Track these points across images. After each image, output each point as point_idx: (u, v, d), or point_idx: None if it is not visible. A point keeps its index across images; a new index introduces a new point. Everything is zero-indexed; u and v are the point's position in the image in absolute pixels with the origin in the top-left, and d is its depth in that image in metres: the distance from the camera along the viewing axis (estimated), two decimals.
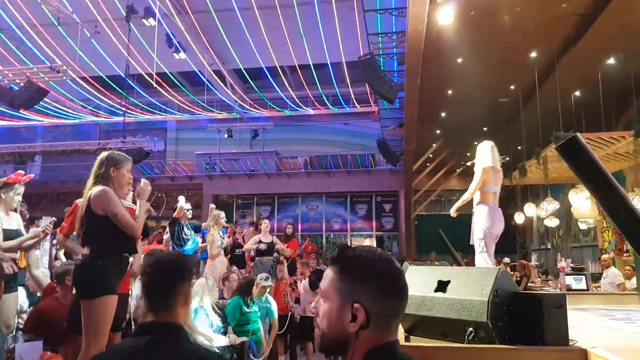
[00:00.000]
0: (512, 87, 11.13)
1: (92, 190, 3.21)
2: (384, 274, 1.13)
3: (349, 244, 20.28)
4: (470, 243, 4.63)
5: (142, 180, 3.38)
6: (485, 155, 4.69)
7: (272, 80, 20.10)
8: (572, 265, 7.90)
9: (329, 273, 1.16)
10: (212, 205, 7.10)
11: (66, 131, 24.25)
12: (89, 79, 19.30)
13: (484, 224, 4.52)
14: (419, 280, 2.79)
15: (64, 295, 3.72)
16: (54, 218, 4.47)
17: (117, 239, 3.18)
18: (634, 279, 7.90)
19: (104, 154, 3.35)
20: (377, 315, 1.10)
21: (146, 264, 1.87)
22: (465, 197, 4.70)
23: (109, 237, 3.16)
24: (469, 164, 4.94)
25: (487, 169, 4.61)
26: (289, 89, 20.70)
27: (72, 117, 22.83)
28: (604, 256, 9.07)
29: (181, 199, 6.47)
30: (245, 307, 4.94)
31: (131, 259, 3.34)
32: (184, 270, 1.88)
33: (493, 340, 2.40)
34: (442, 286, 2.71)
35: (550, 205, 11.22)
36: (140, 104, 21.75)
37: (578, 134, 1.34)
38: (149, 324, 1.73)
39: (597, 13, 7.74)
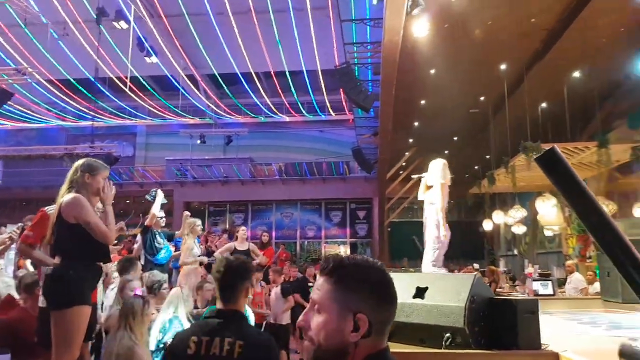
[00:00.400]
0: (482, 98, 11.40)
1: (64, 197, 3.16)
2: (380, 283, 1.14)
3: (322, 251, 20.44)
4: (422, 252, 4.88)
5: (105, 182, 3.32)
6: (442, 172, 4.98)
7: (246, 86, 20.04)
8: (539, 271, 8.13)
9: (323, 284, 1.13)
10: (187, 213, 7.03)
11: (30, 135, 23.55)
12: (56, 81, 18.88)
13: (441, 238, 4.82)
14: (397, 286, 2.85)
15: (32, 306, 3.56)
16: (20, 224, 4.34)
17: (89, 247, 3.13)
18: (596, 284, 8.20)
19: (80, 161, 3.32)
20: (377, 324, 1.10)
21: (218, 266, 2.35)
22: (443, 215, 4.90)
23: (81, 245, 3.11)
24: (414, 176, 5.11)
25: (444, 185, 4.88)
26: (264, 95, 20.67)
27: (37, 120, 22.25)
28: (569, 262, 9.36)
29: (159, 194, 6.35)
30: None
31: (109, 266, 3.30)
32: (246, 271, 2.39)
33: (469, 346, 2.47)
34: (420, 292, 2.78)
35: (518, 212, 11.52)
36: (109, 108, 21.36)
37: (556, 146, 1.43)
38: (219, 310, 2.26)
39: (564, 28, 8.05)
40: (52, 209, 3.38)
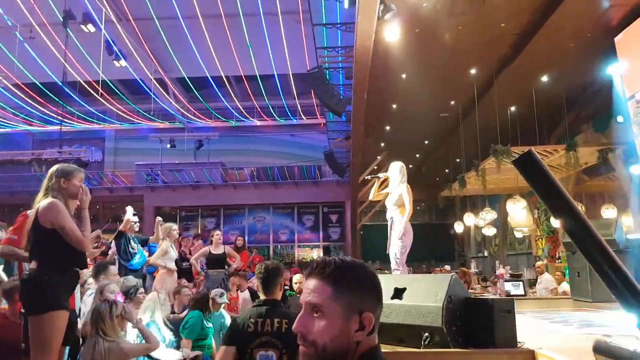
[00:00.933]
0: (452, 102, 11.59)
1: (40, 203, 3.12)
2: (375, 281, 1.18)
3: (296, 254, 20.40)
4: (387, 252, 5.01)
5: (81, 185, 3.28)
6: (403, 175, 5.11)
7: (217, 90, 19.89)
8: (510, 272, 8.29)
9: (321, 287, 1.13)
10: (159, 219, 6.94)
11: None
12: (22, 86, 18.39)
13: (408, 239, 4.94)
14: None
15: (12, 312, 3.55)
16: None
17: (66, 253, 3.10)
18: (563, 284, 8.42)
19: (54, 167, 3.29)
20: (377, 320, 1.15)
21: (259, 269, 3.07)
22: (408, 215, 4.97)
23: (58, 250, 3.08)
24: (369, 177, 5.12)
25: (408, 187, 5.01)
26: (235, 99, 20.54)
27: (2, 125, 21.62)
28: (539, 263, 9.57)
29: (129, 210, 6.29)
30: (205, 323, 4.88)
31: (85, 272, 3.25)
32: (279, 271, 3.11)
33: (447, 345, 2.51)
34: (398, 293, 2.82)
35: (488, 215, 11.74)
36: (77, 113, 20.89)
37: (532, 148, 1.47)
38: (264, 300, 3.02)
39: (532, 33, 8.25)
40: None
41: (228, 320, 5.70)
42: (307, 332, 1.12)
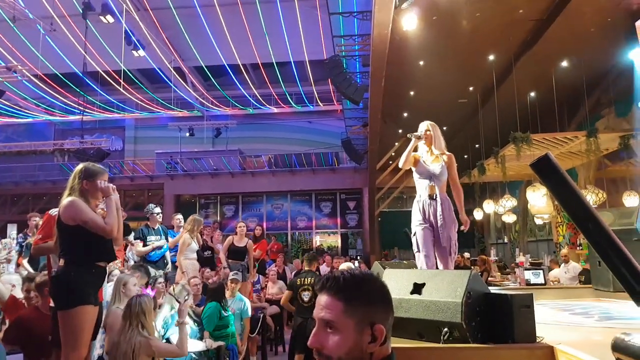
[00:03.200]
0: (471, 88, 11.47)
1: (62, 202, 3.22)
2: (383, 292, 1.22)
3: (314, 241, 20.53)
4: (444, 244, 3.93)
5: (99, 182, 3.33)
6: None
7: (234, 78, 19.94)
8: (530, 260, 8.25)
9: (331, 303, 1.17)
10: (177, 218, 7.14)
11: (19, 130, 23.40)
12: (44, 77, 18.67)
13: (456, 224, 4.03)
14: (396, 283, 2.91)
15: (44, 304, 3.69)
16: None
17: (90, 249, 3.18)
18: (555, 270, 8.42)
19: (78, 167, 3.34)
20: (389, 330, 1.19)
21: (306, 256, 6.36)
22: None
23: (82, 247, 3.16)
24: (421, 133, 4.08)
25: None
26: (252, 87, 20.60)
27: (25, 116, 22.02)
28: (563, 251, 9.48)
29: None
30: (223, 312, 4.99)
31: (111, 265, 3.34)
32: (316, 256, 6.60)
33: (467, 340, 2.54)
34: (417, 288, 2.85)
35: (508, 202, 11.65)
36: (98, 102, 21.19)
37: (549, 152, 1.49)
38: (307, 270, 6.17)
39: (552, 19, 8.10)
40: (56, 211, 3.45)
41: (248, 304, 5.84)
42: (322, 347, 1.16)
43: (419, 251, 3.92)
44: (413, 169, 4.10)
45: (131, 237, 6.19)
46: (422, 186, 4.01)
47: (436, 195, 3.93)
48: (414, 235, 3.97)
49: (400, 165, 4.18)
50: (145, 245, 6.13)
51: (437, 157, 4.05)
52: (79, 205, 3.15)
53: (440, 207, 3.90)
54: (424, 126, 4.14)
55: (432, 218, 3.91)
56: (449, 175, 4.04)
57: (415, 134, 4.08)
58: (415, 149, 4.13)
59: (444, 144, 4.13)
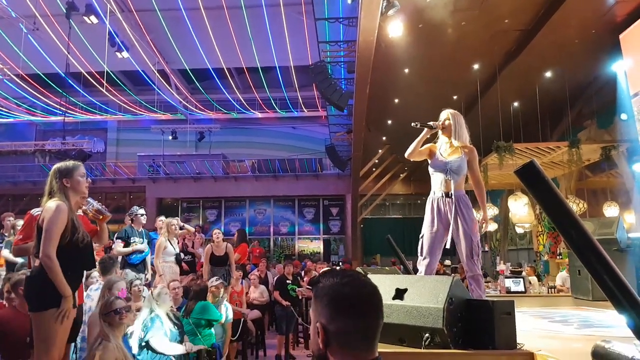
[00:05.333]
0: (455, 97, 11.55)
1: (45, 205, 3.13)
2: (339, 297, 1.18)
3: (296, 247, 20.47)
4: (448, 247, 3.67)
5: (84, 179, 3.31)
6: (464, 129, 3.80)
7: (218, 82, 19.87)
8: (511, 268, 8.31)
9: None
10: (160, 220, 7.04)
11: None
12: (25, 76, 18.40)
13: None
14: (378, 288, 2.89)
15: (21, 304, 3.57)
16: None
17: (68, 255, 3.07)
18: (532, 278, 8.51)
19: (53, 169, 3.26)
20: (337, 334, 1.16)
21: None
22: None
23: (61, 251, 3.06)
24: (433, 124, 3.74)
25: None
26: (236, 91, 20.54)
27: (6, 115, 21.65)
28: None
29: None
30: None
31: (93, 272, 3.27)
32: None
33: (448, 346, 2.54)
34: (399, 294, 2.84)
35: (490, 210, 11.73)
36: (80, 103, 20.93)
37: (535, 160, 1.48)
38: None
39: (537, 29, 8.21)
40: (37, 211, 3.44)
41: (230, 311, 5.78)
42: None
43: (421, 255, 3.63)
44: (428, 161, 3.72)
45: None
46: (436, 181, 3.64)
47: (452, 192, 3.56)
48: (421, 237, 3.64)
49: (406, 155, 3.75)
50: (126, 245, 6.01)
51: (457, 150, 3.65)
52: (56, 214, 3.03)
53: (456, 205, 3.53)
54: (444, 115, 3.75)
55: (447, 217, 3.54)
56: (470, 170, 3.67)
57: (430, 123, 3.68)
58: (430, 140, 3.76)
59: (466, 135, 3.72)
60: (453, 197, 3.54)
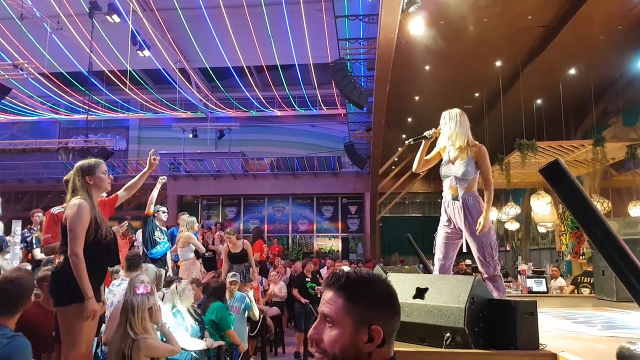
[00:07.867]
0: (476, 94, 11.43)
1: (69, 202, 3.18)
2: (389, 296, 1.21)
3: (314, 245, 20.50)
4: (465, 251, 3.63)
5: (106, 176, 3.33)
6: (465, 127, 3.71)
7: (238, 80, 19.96)
8: (533, 268, 8.19)
9: (334, 299, 1.19)
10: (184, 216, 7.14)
11: (24, 128, 23.55)
12: (50, 75, 18.73)
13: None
14: (398, 287, 2.87)
15: (45, 300, 3.64)
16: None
17: (93, 252, 3.10)
18: (560, 279, 8.36)
19: (75, 167, 3.29)
20: (388, 333, 1.17)
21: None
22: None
23: (85, 249, 3.11)
24: (428, 133, 3.72)
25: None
26: (256, 89, 20.62)
27: (30, 113, 22.10)
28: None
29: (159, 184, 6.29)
30: (227, 311, 5.02)
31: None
32: None
33: (469, 345, 2.51)
34: (420, 293, 2.82)
35: (512, 209, 11.58)
36: (102, 102, 21.25)
37: (559, 159, 1.46)
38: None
39: (561, 26, 8.07)
40: (58, 209, 3.51)
41: (251, 299, 5.84)
42: (320, 340, 1.18)
43: (435, 254, 3.65)
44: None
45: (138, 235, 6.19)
46: (445, 185, 3.62)
47: (459, 196, 3.51)
48: (435, 235, 3.67)
49: (413, 170, 3.82)
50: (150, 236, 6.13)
51: (463, 151, 3.54)
52: (80, 212, 3.06)
53: (464, 209, 3.46)
54: (441, 119, 3.69)
55: (455, 220, 3.52)
56: (480, 169, 3.56)
57: (425, 133, 3.67)
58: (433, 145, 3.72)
59: (466, 135, 3.60)
60: (460, 200, 3.52)
